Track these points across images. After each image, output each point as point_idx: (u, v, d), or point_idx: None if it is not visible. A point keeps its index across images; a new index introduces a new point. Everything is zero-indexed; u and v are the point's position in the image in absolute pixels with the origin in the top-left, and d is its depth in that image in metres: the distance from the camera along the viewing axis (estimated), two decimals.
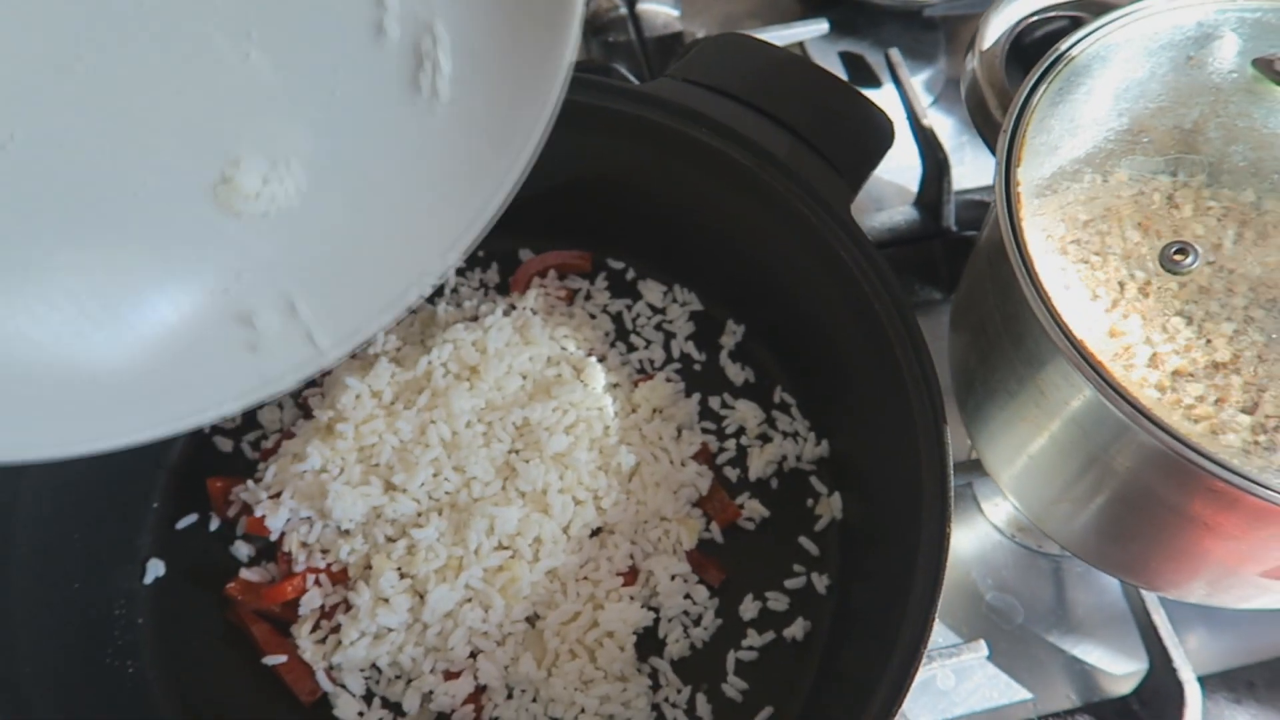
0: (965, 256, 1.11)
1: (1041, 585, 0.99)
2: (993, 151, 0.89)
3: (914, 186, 1.16)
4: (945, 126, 1.21)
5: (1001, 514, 1.01)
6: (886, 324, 0.79)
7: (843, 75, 1.22)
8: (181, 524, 0.90)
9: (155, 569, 0.88)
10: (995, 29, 0.84)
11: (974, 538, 1.00)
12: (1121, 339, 0.86)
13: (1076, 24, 1.20)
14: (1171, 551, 0.80)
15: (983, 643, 0.88)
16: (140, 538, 0.89)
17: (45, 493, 0.79)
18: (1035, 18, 0.87)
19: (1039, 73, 0.78)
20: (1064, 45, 0.80)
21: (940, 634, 0.95)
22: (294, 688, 0.83)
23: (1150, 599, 0.90)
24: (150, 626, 0.86)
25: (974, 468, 0.95)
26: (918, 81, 1.22)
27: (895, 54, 1.16)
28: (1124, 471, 0.75)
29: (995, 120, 0.82)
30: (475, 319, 0.96)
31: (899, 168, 1.21)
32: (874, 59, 1.23)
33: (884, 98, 1.21)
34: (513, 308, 0.98)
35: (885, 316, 0.79)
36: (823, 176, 0.85)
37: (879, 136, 0.86)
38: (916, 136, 1.12)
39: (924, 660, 0.84)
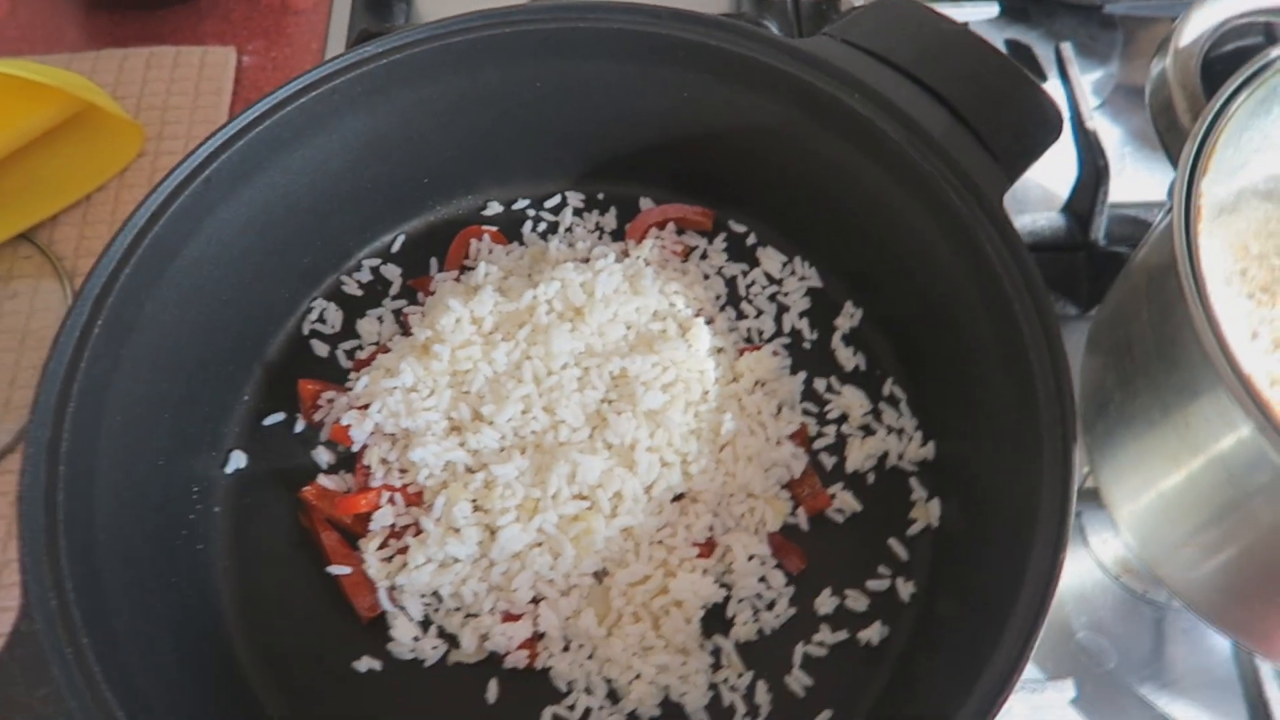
0: (1110, 273, 1.04)
1: (1140, 633, 0.92)
2: (1171, 160, 0.82)
3: (1063, 192, 1.09)
4: (1109, 134, 1.13)
5: (1109, 551, 0.94)
6: (1025, 329, 0.73)
7: None
8: (268, 421, 0.90)
9: (237, 460, 0.88)
10: (1195, 27, 0.77)
11: (1074, 571, 0.94)
12: None
13: (1271, 39, 1.11)
14: None
15: (1070, 682, 0.82)
16: (226, 427, 0.89)
17: (144, 367, 0.78)
18: (1242, 20, 0.79)
19: (1242, 78, 0.71)
20: (1276, 52, 0.72)
21: None
22: (354, 601, 0.82)
23: (1265, 669, 0.83)
24: (225, 516, 0.86)
25: (1087, 497, 0.88)
26: (1087, 81, 1.14)
27: (1067, 49, 1.08)
28: (1268, 524, 0.68)
29: (1181, 126, 0.75)
30: (587, 260, 0.93)
31: (1049, 171, 1.14)
32: (1042, 51, 1.16)
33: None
34: (626, 255, 0.94)
35: (1025, 321, 0.73)
36: (978, 162, 0.79)
37: (1046, 127, 0.79)
38: (1077, 139, 1.04)
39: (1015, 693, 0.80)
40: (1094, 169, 1.02)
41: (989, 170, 0.78)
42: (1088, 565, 0.94)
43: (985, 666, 0.63)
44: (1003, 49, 1.16)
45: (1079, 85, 1.06)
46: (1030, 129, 0.79)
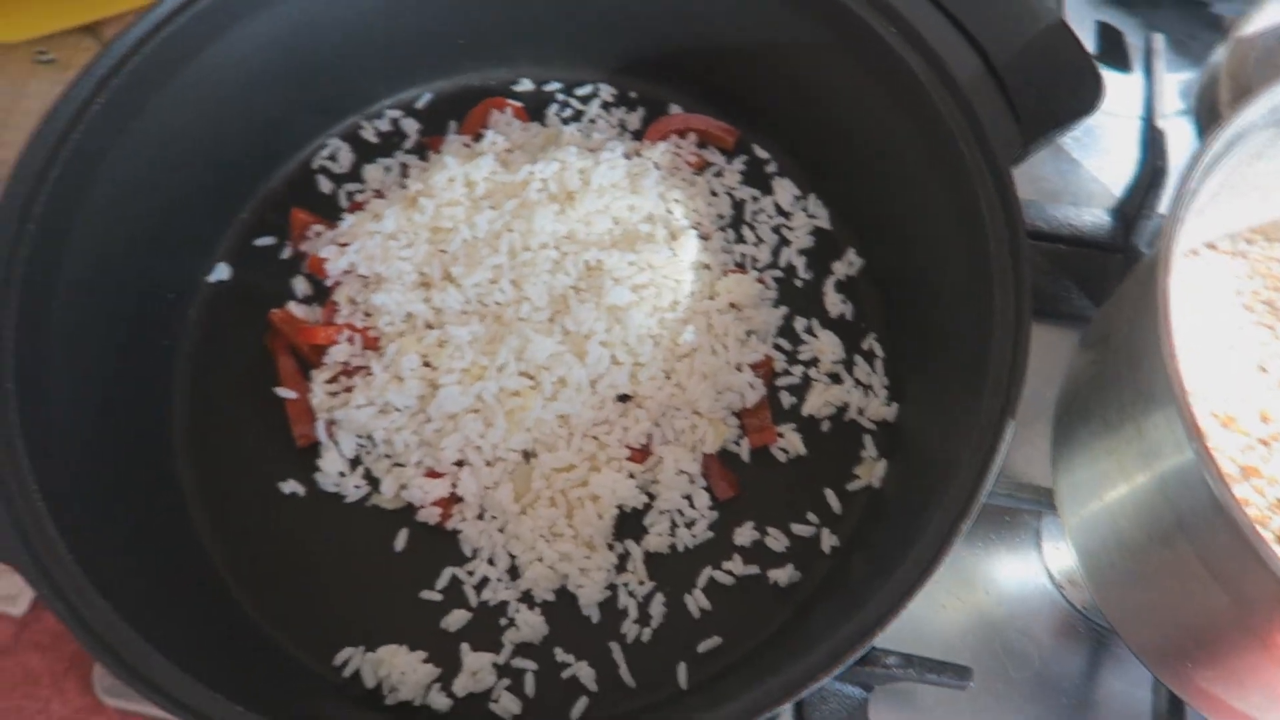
0: None
1: (1072, 648, 0.88)
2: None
3: (1121, 193, 1.03)
4: (1184, 139, 1.05)
5: (1059, 560, 0.90)
6: (999, 310, 0.70)
7: (1092, 46, 1.07)
8: (259, 242, 0.92)
9: (220, 271, 0.90)
10: (1268, 18, 0.70)
11: (1021, 572, 0.90)
12: (1270, 425, 0.74)
13: None
14: (1221, 663, 0.69)
15: (972, 671, 0.79)
16: (218, 238, 0.91)
17: (141, 156, 0.81)
18: None
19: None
20: None
21: (939, 649, 0.87)
22: (293, 425, 0.84)
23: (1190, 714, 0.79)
24: (197, 320, 0.89)
25: (1051, 496, 0.84)
26: (1173, 80, 1.06)
27: (1158, 40, 1.01)
28: (1196, 556, 0.65)
29: (1221, 117, 0.69)
30: (595, 151, 0.92)
31: (1116, 171, 1.08)
32: (1134, 40, 1.08)
33: (1126, 86, 1.07)
34: (638, 154, 0.93)
35: (1000, 302, 0.70)
36: (999, 120, 0.74)
37: (1079, 97, 0.74)
38: (1144, 137, 0.98)
39: (907, 670, 0.77)
40: (1151, 170, 0.96)
41: (1008, 130, 0.74)
42: (1035, 569, 0.91)
43: (852, 617, 0.62)
44: (1091, 29, 1.10)
45: (1160, 81, 0.99)
46: (1062, 96, 0.74)
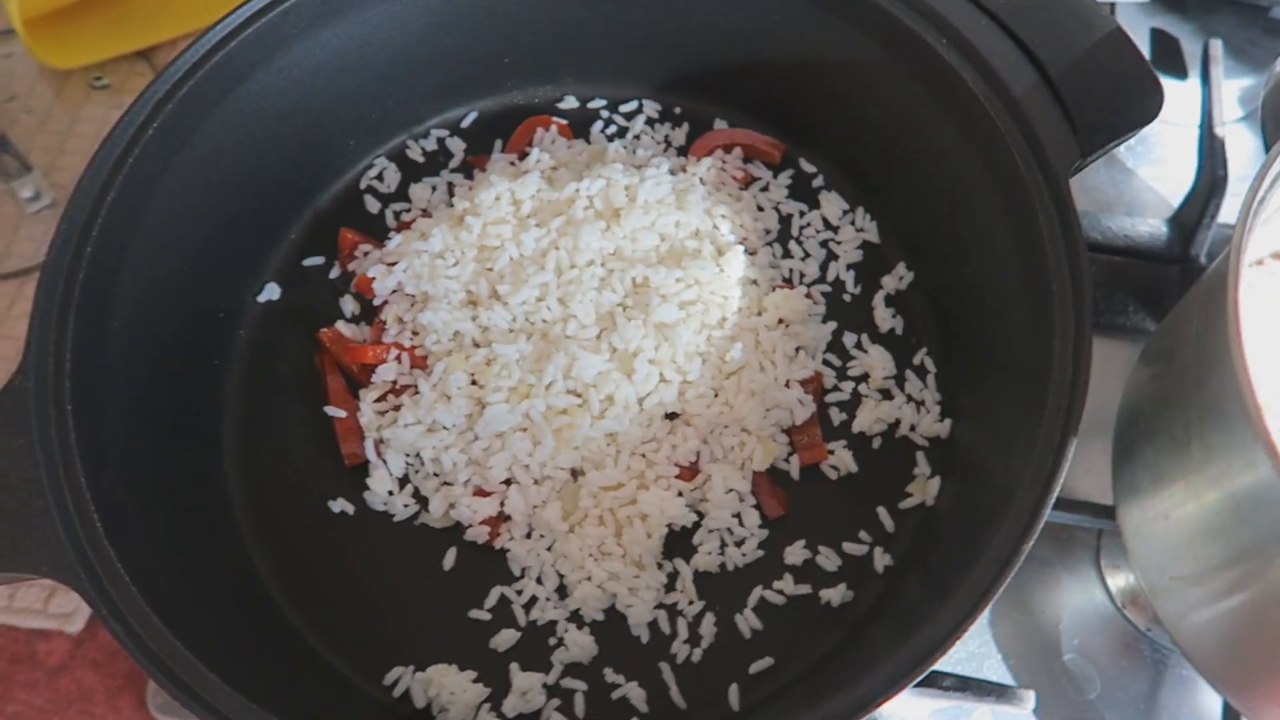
0: None
1: (1134, 670, 0.86)
2: None
3: (1178, 203, 1.00)
4: (1244, 147, 1.03)
5: (1119, 579, 0.88)
6: (1058, 325, 0.68)
7: (1145, 52, 1.05)
8: (307, 262, 0.93)
9: (270, 291, 0.91)
10: None
11: (1079, 592, 0.88)
12: None
13: None
14: None
15: (1032, 694, 0.77)
16: (268, 259, 0.92)
17: (193, 178, 0.82)
18: None
19: None
20: None
21: (995, 670, 0.86)
22: (342, 444, 0.84)
23: None
24: (246, 340, 0.89)
25: (1110, 515, 0.82)
26: (1232, 87, 1.04)
27: (1216, 46, 0.98)
28: (1271, 577, 0.62)
29: None
30: (640, 167, 0.91)
31: (1172, 180, 1.05)
32: (1190, 47, 1.06)
33: (1182, 92, 1.05)
34: (683, 170, 0.92)
35: (1060, 318, 0.68)
36: (1055, 131, 0.73)
37: (1138, 108, 0.72)
38: (1202, 145, 0.95)
39: (964, 693, 0.75)
40: (1211, 178, 0.94)
41: (1064, 141, 0.72)
42: (1094, 589, 0.88)
43: (907, 640, 0.60)
44: (1146, 36, 1.08)
45: (1219, 88, 0.96)
46: (1120, 106, 0.72)
